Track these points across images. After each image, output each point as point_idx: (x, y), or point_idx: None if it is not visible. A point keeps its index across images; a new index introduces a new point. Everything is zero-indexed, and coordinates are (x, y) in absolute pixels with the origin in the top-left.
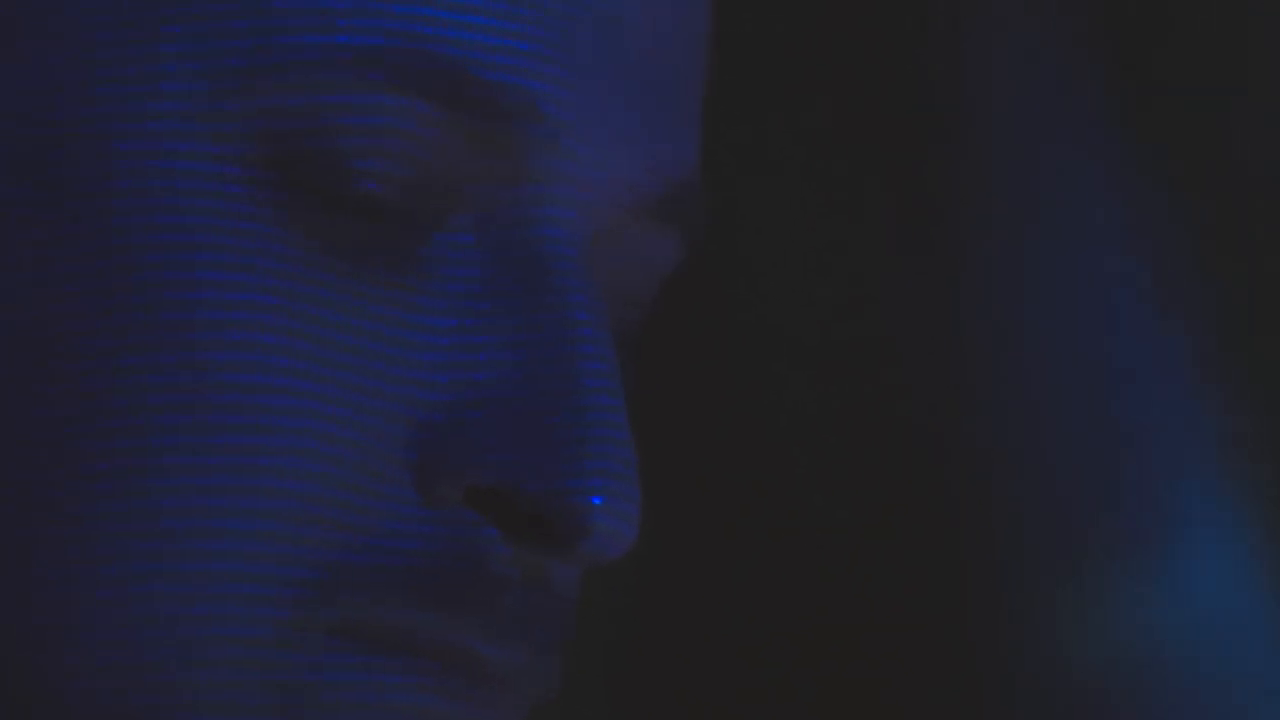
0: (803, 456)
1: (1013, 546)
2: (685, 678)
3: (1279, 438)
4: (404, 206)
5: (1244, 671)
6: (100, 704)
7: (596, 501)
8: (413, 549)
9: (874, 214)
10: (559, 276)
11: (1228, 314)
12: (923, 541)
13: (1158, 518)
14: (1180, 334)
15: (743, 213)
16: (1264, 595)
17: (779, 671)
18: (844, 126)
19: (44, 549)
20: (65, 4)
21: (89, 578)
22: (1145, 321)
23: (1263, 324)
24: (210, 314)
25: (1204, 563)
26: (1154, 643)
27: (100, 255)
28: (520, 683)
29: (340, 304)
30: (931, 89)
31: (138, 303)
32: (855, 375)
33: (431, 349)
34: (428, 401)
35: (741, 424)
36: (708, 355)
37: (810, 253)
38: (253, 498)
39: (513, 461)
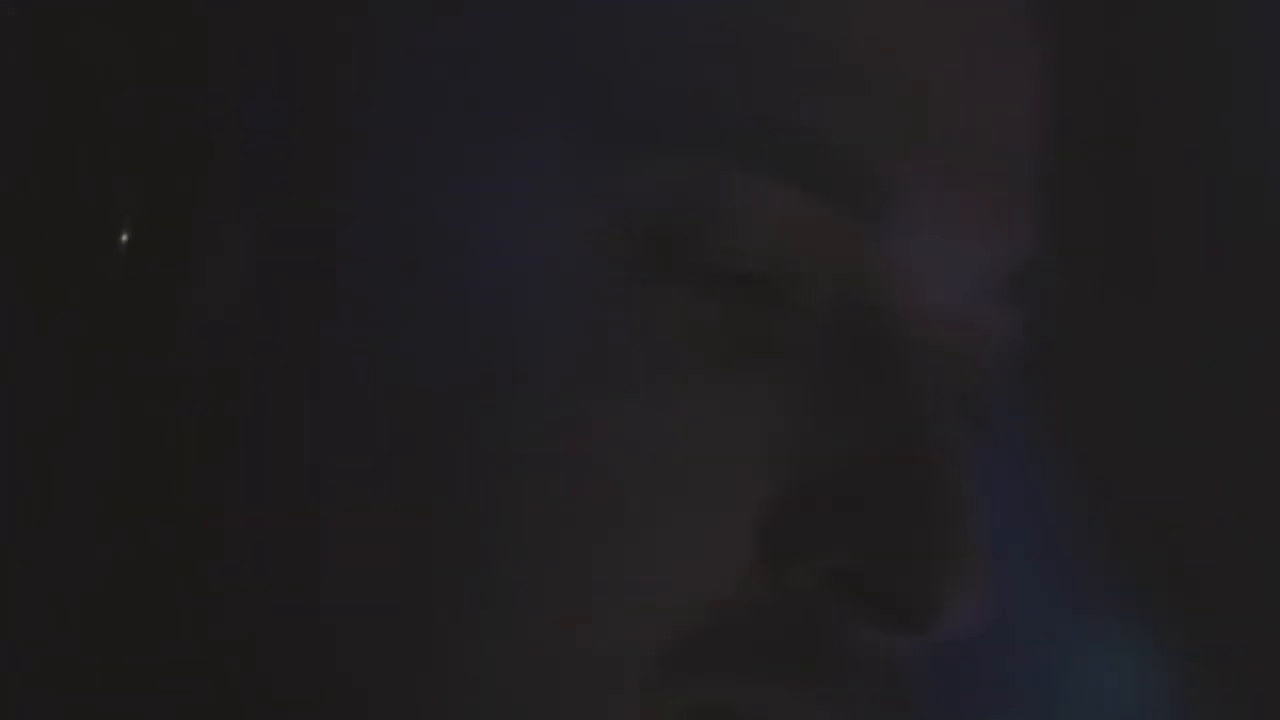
0: None
1: None
2: None
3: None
4: (760, 289)
5: None
6: None
7: (950, 583)
8: (764, 629)
9: None
10: (905, 359)
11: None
12: None
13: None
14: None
15: None
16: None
17: None
18: None
19: (416, 627)
20: (425, 90)
21: (449, 662)
22: None
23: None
24: (572, 399)
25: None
26: None
27: (461, 331)
28: None
29: (694, 386)
30: None
31: (506, 384)
32: None
33: (780, 431)
34: (776, 482)
35: None
36: None
37: None
38: (613, 585)
39: (864, 542)
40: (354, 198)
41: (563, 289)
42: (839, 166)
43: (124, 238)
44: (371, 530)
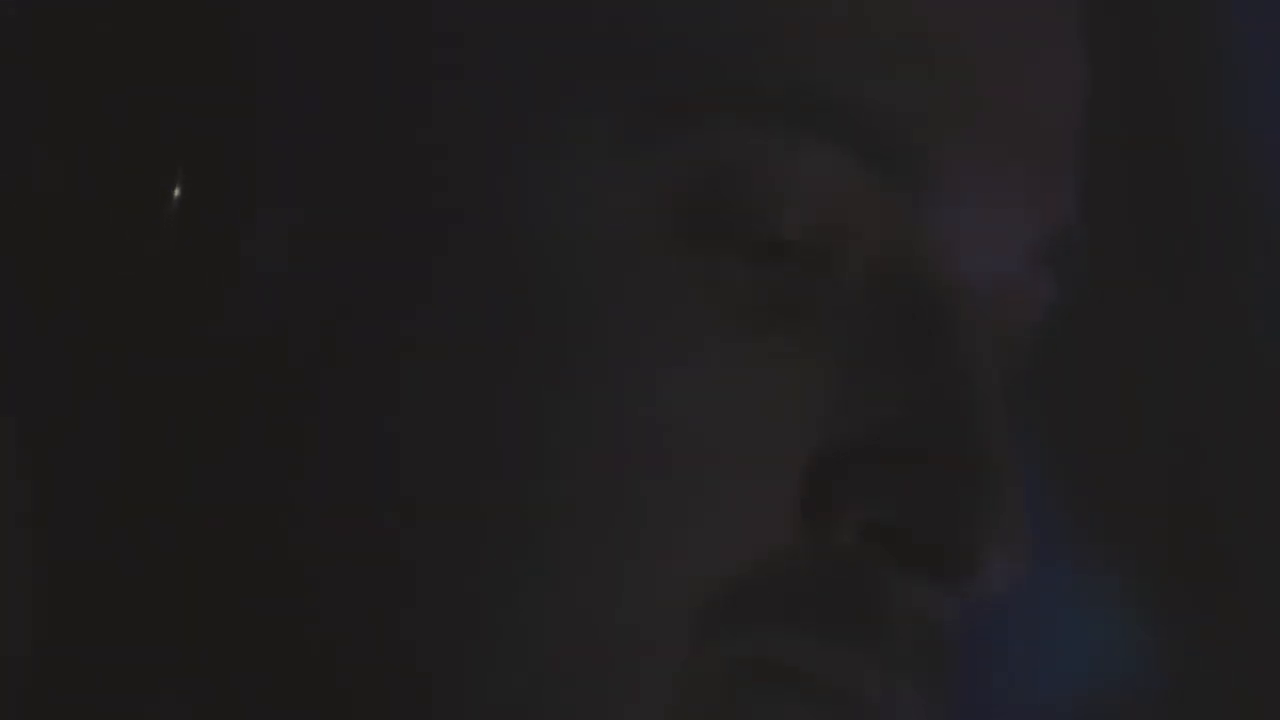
0: None
1: None
2: None
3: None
4: (804, 255)
5: None
6: None
7: (991, 539)
8: (807, 585)
9: None
10: (950, 324)
11: None
12: None
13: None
14: None
15: None
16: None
17: None
18: None
19: (466, 585)
20: (468, 61)
21: (498, 620)
22: None
23: None
24: (620, 368)
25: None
26: None
27: (511, 302)
28: (904, 716)
29: (738, 350)
30: None
31: (552, 357)
32: None
33: (826, 392)
34: (819, 442)
35: None
36: None
37: None
38: (659, 542)
39: (907, 500)
40: (397, 176)
41: (612, 257)
42: (887, 134)
43: (175, 199)
44: (424, 490)
